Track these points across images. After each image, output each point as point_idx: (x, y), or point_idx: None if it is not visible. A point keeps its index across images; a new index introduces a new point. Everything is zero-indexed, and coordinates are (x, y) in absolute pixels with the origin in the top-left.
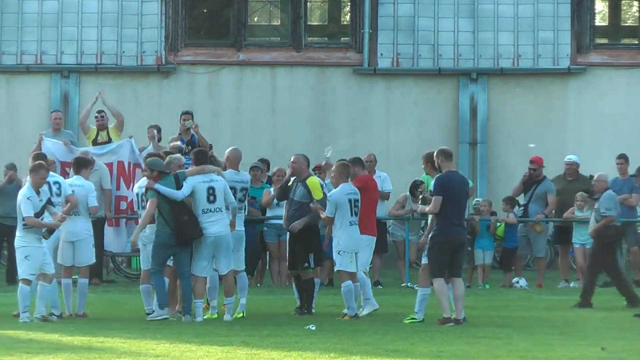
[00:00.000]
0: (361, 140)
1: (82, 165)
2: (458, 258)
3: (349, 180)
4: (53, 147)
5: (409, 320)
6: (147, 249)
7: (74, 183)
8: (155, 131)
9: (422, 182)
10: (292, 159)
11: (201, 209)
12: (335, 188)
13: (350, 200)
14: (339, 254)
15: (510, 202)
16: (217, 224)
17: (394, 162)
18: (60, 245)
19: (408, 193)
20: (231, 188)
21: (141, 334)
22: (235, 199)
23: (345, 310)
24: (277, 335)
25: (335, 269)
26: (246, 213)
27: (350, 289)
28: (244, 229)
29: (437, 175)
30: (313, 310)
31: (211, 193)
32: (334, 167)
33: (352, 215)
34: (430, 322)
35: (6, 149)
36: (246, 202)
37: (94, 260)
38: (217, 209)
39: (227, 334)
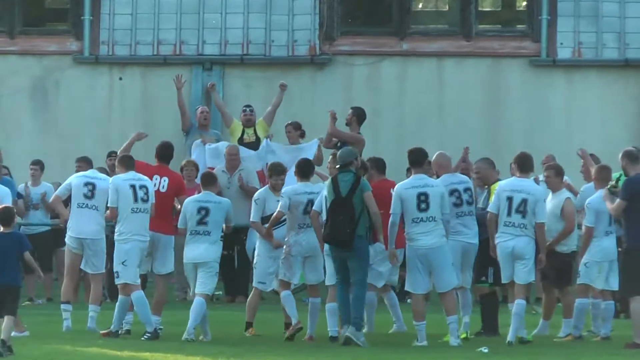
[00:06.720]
0: (539, 140)
1: (210, 181)
2: None
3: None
4: (209, 153)
5: None
6: None
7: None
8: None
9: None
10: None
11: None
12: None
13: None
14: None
15: None
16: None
17: (578, 166)
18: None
19: None
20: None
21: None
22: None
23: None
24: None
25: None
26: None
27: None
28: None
29: (627, 178)
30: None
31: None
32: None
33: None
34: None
35: (141, 149)
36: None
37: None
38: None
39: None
